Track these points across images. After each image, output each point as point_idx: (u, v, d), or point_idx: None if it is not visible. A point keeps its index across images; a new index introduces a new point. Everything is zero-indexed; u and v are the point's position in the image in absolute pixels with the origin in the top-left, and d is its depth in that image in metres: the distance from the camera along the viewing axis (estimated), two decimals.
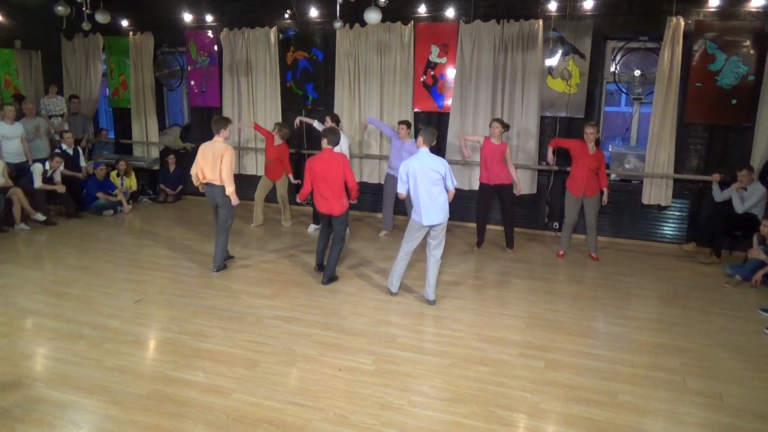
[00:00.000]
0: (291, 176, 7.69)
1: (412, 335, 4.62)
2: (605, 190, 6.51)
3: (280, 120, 8.83)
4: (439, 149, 8.03)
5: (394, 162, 7.24)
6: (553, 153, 6.99)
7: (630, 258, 6.97)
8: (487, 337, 4.62)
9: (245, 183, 9.16)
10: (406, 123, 7.19)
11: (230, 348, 4.35)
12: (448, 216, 5.11)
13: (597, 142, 6.53)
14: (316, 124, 7.75)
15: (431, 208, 5.01)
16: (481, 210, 7.02)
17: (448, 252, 6.97)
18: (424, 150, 5.06)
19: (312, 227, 7.87)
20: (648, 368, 4.14)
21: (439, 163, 5.00)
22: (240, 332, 4.61)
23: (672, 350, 4.45)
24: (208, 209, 9.18)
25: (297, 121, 7.94)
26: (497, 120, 6.73)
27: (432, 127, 5.38)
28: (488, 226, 7.28)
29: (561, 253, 6.86)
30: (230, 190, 5.82)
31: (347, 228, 7.62)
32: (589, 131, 6.39)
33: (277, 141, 7.72)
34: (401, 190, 5.10)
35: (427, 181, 4.98)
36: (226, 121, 5.88)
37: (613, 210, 7.59)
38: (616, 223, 7.64)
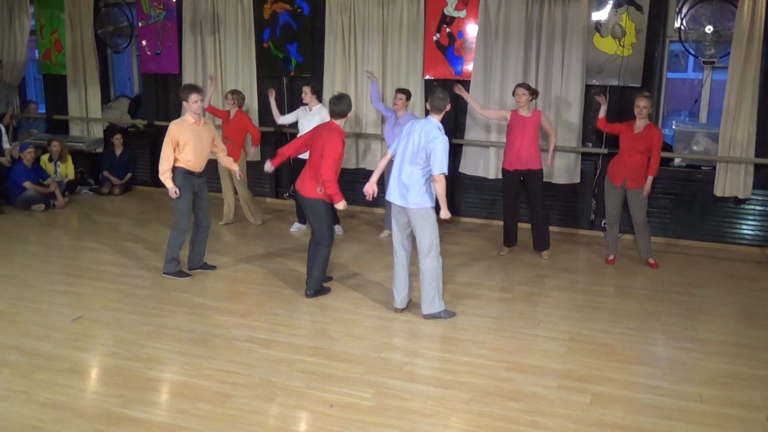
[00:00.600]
0: (250, 151, 7.64)
1: (423, 362, 4.62)
2: (650, 178, 6.44)
3: (255, 89, 8.85)
4: (456, 127, 8.04)
5: (391, 143, 7.22)
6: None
7: (698, 265, 6.96)
8: (517, 364, 4.61)
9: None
10: (405, 92, 7.16)
11: (193, 378, 4.34)
12: (418, 206, 5.07)
13: (649, 117, 6.48)
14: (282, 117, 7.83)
15: (394, 180, 5.19)
16: (508, 204, 7.02)
17: (469, 257, 6.99)
18: (433, 119, 5.16)
19: (296, 226, 7.89)
20: (721, 404, 4.14)
21: (434, 139, 4.97)
22: (206, 359, 4.61)
23: (752, 381, 4.44)
24: (163, 203, 9.22)
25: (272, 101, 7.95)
26: (522, 85, 6.72)
27: (440, 90, 5.33)
28: (520, 225, 7.26)
29: (611, 258, 6.87)
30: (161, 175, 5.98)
31: (339, 228, 7.67)
32: (642, 104, 6.33)
33: (233, 113, 7.76)
34: (390, 150, 5.35)
35: (408, 152, 5.10)
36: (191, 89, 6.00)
37: (677, 204, 7.58)
38: (680, 221, 7.63)
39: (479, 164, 7.99)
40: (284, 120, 7.80)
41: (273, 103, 7.89)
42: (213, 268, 6.48)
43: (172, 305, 5.56)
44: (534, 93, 6.75)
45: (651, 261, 6.77)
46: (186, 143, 5.90)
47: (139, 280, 6.18)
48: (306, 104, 7.52)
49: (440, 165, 4.97)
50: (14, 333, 4.97)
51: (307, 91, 7.43)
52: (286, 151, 5.83)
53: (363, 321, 5.34)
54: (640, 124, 6.41)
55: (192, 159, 5.97)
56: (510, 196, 6.96)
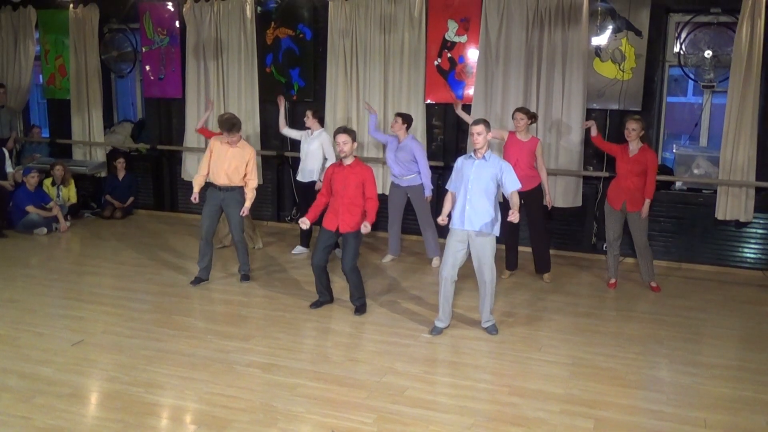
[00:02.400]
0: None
1: (425, 387, 4.60)
2: (647, 201, 6.44)
3: (257, 114, 8.90)
4: (457, 149, 8.08)
5: (394, 169, 7.27)
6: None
7: (701, 288, 6.94)
8: (519, 389, 4.59)
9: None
10: (401, 115, 7.20)
11: (194, 403, 4.33)
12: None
13: (642, 139, 6.49)
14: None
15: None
16: (509, 228, 7.00)
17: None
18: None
19: (298, 249, 7.89)
20: (726, 429, 4.11)
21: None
22: (206, 383, 4.59)
23: (757, 406, 4.41)
24: (165, 226, 9.24)
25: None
26: (521, 110, 6.75)
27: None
28: (521, 248, 7.25)
29: (612, 281, 6.85)
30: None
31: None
32: (632, 126, 6.37)
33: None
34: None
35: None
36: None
37: (679, 227, 7.58)
38: (682, 244, 7.62)
39: None
40: (288, 132, 7.90)
41: (282, 110, 7.98)
42: (246, 279, 6.83)
43: (173, 329, 5.54)
44: (533, 117, 6.78)
45: (653, 285, 6.75)
46: (214, 156, 6.50)
47: (140, 304, 6.18)
48: (308, 128, 7.59)
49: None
50: (15, 357, 4.95)
51: (309, 115, 7.52)
52: (317, 211, 5.92)
53: (365, 345, 5.32)
54: (634, 146, 6.44)
55: (213, 171, 6.50)
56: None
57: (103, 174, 10.02)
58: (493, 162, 5.35)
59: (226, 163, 6.44)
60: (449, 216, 5.46)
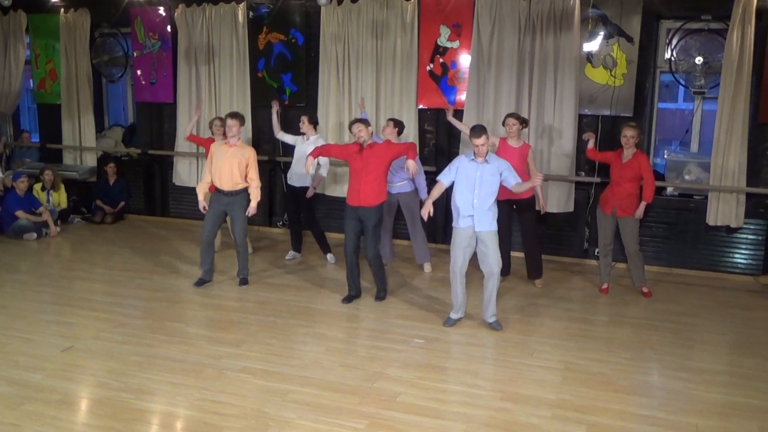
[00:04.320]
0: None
1: (417, 392, 4.59)
2: (643, 204, 6.45)
3: (249, 119, 8.89)
4: (449, 155, 8.09)
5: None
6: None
7: (692, 294, 6.97)
8: (511, 394, 4.59)
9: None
10: (395, 121, 7.13)
11: (185, 410, 4.31)
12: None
13: (637, 146, 6.51)
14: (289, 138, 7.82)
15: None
16: (501, 233, 7.00)
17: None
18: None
19: (291, 254, 7.88)
20: None
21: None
22: (197, 389, 4.57)
23: (748, 411, 4.42)
24: (156, 231, 9.21)
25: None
26: (512, 116, 6.75)
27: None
28: (513, 254, 7.27)
29: (604, 286, 6.87)
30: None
31: (331, 256, 7.71)
32: (629, 133, 6.40)
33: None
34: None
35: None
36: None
37: (670, 233, 7.61)
38: (673, 250, 7.65)
39: None
40: (283, 137, 7.83)
41: (275, 115, 7.95)
42: (245, 283, 6.87)
43: (163, 335, 5.52)
44: (524, 122, 6.80)
45: (645, 290, 6.76)
46: (215, 159, 6.53)
47: (131, 309, 6.15)
48: (303, 133, 7.55)
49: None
50: (3, 364, 4.92)
51: (304, 120, 7.49)
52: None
53: (357, 351, 5.32)
54: (628, 153, 6.47)
55: (215, 174, 6.53)
56: (504, 224, 6.92)
57: (94, 179, 9.97)
58: (493, 161, 5.66)
59: (227, 163, 6.46)
60: (449, 219, 5.76)
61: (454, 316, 5.87)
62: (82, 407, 4.39)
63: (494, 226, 5.68)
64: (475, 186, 5.60)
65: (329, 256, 7.78)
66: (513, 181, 5.66)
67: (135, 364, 4.95)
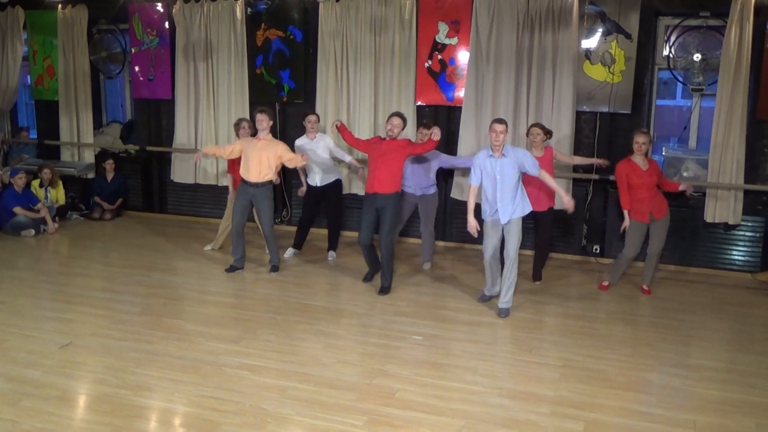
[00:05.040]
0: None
1: (416, 389, 4.60)
2: (682, 186, 6.56)
3: (247, 115, 8.88)
4: (446, 152, 8.08)
5: (410, 180, 7.16)
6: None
7: (690, 291, 6.98)
8: (510, 391, 4.60)
9: (205, 195, 9.18)
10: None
11: (183, 406, 4.31)
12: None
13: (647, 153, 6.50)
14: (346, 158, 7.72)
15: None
16: (541, 243, 7.06)
17: (461, 282, 6.99)
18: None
19: (290, 251, 7.85)
20: (716, 431, 4.13)
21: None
22: (196, 386, 4.57)
23: (746, 408, 4.43)
24: (155, 228, 9.21)
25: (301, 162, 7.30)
26: (537, 125, 6.68)
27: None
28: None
29: (605, 284, 6.86)
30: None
31: (332, 254, 7.70)
32: (641, 140, 6.31)
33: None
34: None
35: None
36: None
37: (669, 231, 7.60)
38: (671, 247, 7.64)
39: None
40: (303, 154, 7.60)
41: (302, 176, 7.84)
42: (275, 270, 7.23)
43: (162, 331, 5.52)
44: (549, 133, 6.75)
45: (645, 287, 6.77)
46: (244, 151, 6.92)
47: (129, 306, 6.15)
48: (309, 133, 7.52)
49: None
50: (1, 360, 4.92)
51: (313, 120, 7.45)
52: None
53: (355, 347, 5.32)
54: (642, 159, 6.40)
55: (244, 165, 6.91)
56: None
57: (92, 175, 9.96)
58: (511, 154, 5.83)
59: (256, 155, 6.82)
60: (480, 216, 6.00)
61: (487, 293, 6.35)
62: (80, 404, 4.38)
63: (517, 214, 5.89)
64: (496, 181, 5.82)
65: (331, 253, 7.78)
66: (534, 170, 5.85)
67: (133, 361, 4.94)
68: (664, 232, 6.58)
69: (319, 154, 7.46)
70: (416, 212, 7.39)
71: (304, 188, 7.64)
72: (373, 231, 6.54)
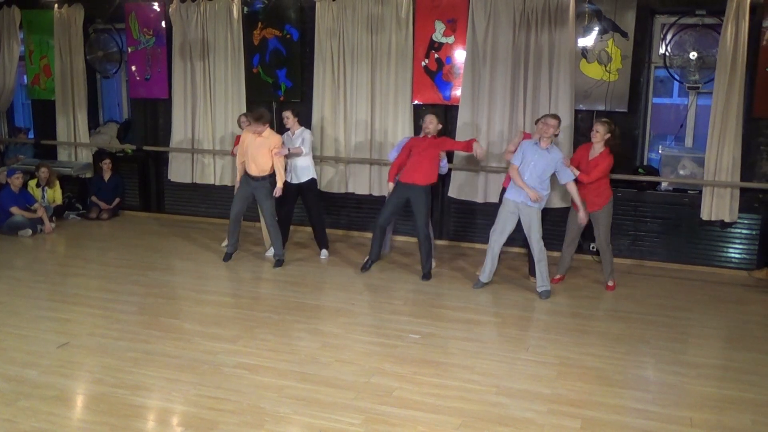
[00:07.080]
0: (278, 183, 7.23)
1: (413, 387, 4.60)
2: (574, 169, 6.41)
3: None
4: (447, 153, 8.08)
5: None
6: None
7: (686, 288, 6.99)
8: (507, 389, 4.60)
9: (202, 194, 9.16)
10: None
11: (180, 405, 4.31)
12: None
13: (606, 143, 6.47)
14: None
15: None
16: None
17: (458, 281, 6.99)
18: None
19: (271, 251, 7.74)
20: (712, 428, 4.14)
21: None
22: (193, 385, 4.57)
23: (742, 405, 4.44)
24: (152, 228, 9.21)
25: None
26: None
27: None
28: (510, 248, 7.29)
29: (558, 277, 6.93)
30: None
31: (325, 252, 7.68)
32: (595, 128, 6.46)
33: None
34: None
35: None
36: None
37: (664, 228, 7.63)
38: (668, 245, 7.67)
39: (467, 189, 8.02)
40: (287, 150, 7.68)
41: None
42: (279, 264, 7.38)
43: (159, 331, 5.52)
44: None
45: (609, 284, 6.79)
46: (245, 145, 7.15)
47: (127, 305, 6.14)
48: (288, 129, 7.54)
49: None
50: None
51: (289, 116, 7.48)
52: (395, 171, 7.01)
53: (352, 346, 5.32)
54: (597, 148, 6.48)
55: (246, 159, 7.15)
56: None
57: (89, 175, 9.94)
58: (554, 155, 6.27)
59: (255, 151, 7.09)
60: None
61: (483, 279, 6.66)
62: (77, 403, 4.39)
63: (535, 204, 6.28)
64: (529, 166, 6.24)
65: (323, 251, 7.78)
66: (566, 178, 6.32)
67: (131, 360, 4.94)
68: (603, 222, 6.59)
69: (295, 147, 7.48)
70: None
71: (280, 187, 7.24)
72: (394, 217, 7.09)
